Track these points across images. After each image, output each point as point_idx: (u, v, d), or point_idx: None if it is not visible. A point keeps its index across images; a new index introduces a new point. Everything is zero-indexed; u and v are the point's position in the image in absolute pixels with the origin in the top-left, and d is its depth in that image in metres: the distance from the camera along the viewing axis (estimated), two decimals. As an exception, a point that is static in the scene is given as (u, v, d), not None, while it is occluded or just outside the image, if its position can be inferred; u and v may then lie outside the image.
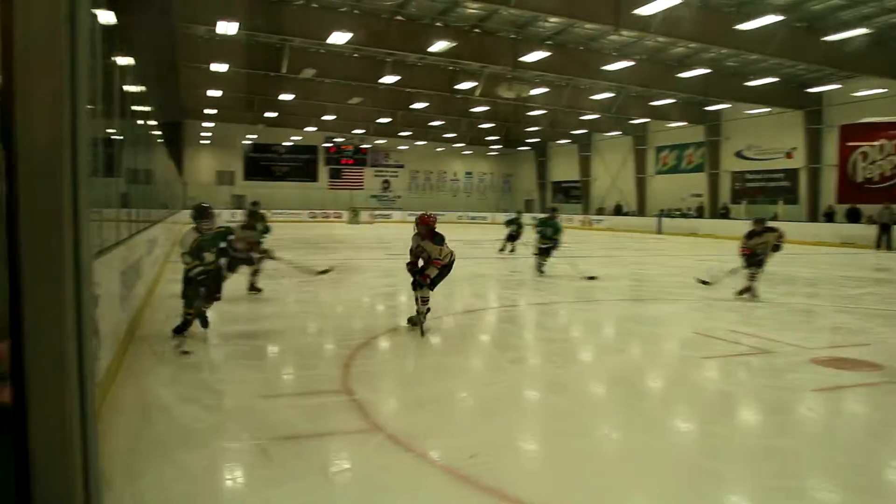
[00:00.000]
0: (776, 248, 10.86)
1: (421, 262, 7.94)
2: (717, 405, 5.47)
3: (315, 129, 45.37)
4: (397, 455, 4.07)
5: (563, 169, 51.97)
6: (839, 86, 28.58)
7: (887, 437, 4.76)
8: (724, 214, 35.60)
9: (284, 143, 48.65)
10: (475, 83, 29.17)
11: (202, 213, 7.32)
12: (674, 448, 4.46)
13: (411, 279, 7.91)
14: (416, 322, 7.80)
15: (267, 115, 39.25)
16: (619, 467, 4.09)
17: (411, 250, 7.97)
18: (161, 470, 3.76)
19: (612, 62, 24.83)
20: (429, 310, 7.91)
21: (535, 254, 14.26)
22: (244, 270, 10.46)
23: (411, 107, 34.75)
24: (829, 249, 24.03)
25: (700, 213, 37.06)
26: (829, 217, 29.90)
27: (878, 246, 24.65)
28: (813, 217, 31.44)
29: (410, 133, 47.06)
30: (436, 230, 7.88)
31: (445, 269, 7.95)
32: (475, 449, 4.16)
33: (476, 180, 56.63)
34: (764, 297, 10.78)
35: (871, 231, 25.47)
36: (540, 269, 14.09)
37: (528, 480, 3.81)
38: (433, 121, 41.29)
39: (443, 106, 35.36)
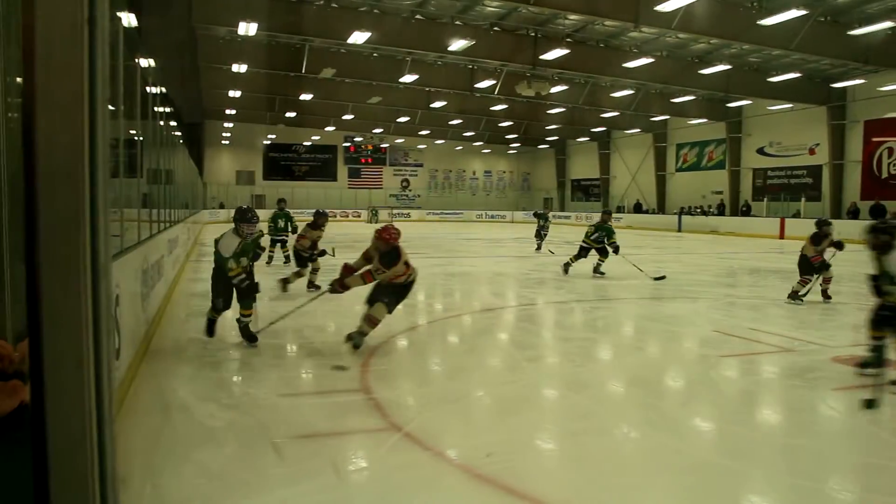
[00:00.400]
0: (839, 246, 10.63)
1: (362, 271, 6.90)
2: (737, 404, 5.43)
3: (334, 128, 45.54)
4: (415, 454, 4.08)
5: (583, 167, 51.73)
6: (864, 80, 28.16)
7: (911, 438, 4.70)
8: (746, 212, 35.28)
9: (304, 143, 48.90)
10: (494, 81, 29.12)
11: (245, 217, 6.90)
12: (693, 447, 4.44)
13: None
14: (353, 339, 6.70)
15: (287, 115, 39.46)
16: (639, 466, 4.08)
17: (367, 256, 7.01)
18: (180, 467, 3.80)
19: (633, 59, 24.67)
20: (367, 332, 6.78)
21: (573, 258, 14.02)
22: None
23: (430, 106, 34.80)
24: (853, 246, 23.71)
25: (721, 211, 36.76)
26: (854, 214, 29.49)
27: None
28: (836, 214, 31.01)
29: (429, 132, 47.08)
30: (394, 247, 6.84)
31: (403, 288, 6.96)
32: (493, 448, 4.16)
33: (495, 179, 56.54)
34: (781, 296, 10.71)
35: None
36: (597, 269, 13.80)
37: (547, 479, 3.82)
38: (452, 119, 41.27)
39: (462, 104, 35.34)
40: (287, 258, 15.25)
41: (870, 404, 4.88)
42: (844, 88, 29.90)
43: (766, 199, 34.56)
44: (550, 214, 21.41)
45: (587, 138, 48.10)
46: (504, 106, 35.58)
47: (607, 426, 4.78)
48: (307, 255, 11.02)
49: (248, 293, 6.81)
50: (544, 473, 3.93)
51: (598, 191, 49.27)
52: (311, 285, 10.94)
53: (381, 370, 6.02)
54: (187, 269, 13.68)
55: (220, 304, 6.86)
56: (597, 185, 49.64)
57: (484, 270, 15.70)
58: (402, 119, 40.89)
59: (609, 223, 14.19)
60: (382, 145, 51.23)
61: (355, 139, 50.03)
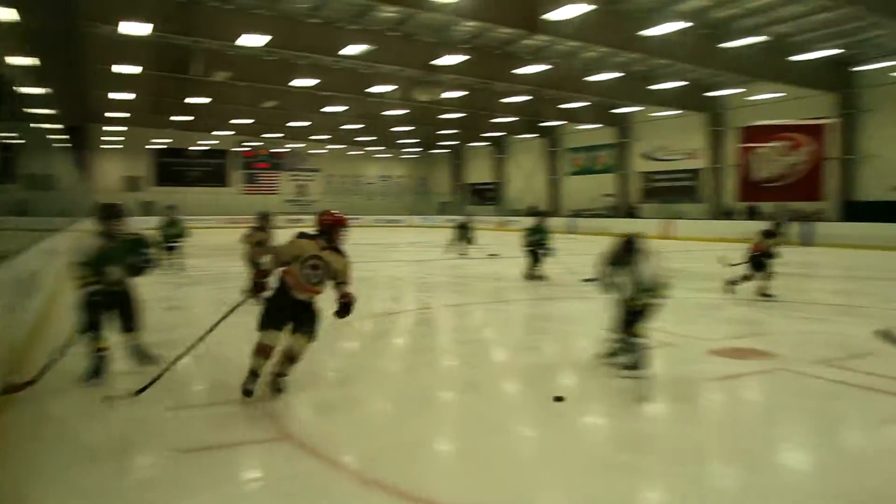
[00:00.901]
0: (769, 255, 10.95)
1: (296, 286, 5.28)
2: (624, 399, 5.64)
3: (229, 132, 44.49)
4: (307, 462, 4.04)
5: (479, 171, 52.64)
6: (739, 90, 30.14)
7: (779, 422, 5.05)
8: (632, 214, 36.83)
9: (196, 148, 47.51)
10: (391, 86, 29.15)
11: (110, 213, 5.79)
12: (585, 443, 4.60)
13: (267, 313, 5.35)
14: (278, 386, 5.34)
15: (178, 118, 38.16)
16: (533, 464, 4.19)
17: (282, 261, 5.34)
18: (57, 492, 3.61)
19: (527, 66, 25.29)
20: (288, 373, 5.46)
21: (529, 260, 13.63)
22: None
23: (327, 110, 34.43)
24: (731, 245, 25.05)
25: (611, 213, 38.16)
26: (729, 214, 31.58)
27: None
28: (716, 215, 32.90)
29: (326, 137, 46.67)
30: None
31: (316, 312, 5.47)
32: (388, 452, 4.18)
33: (392, 183, 56.64)
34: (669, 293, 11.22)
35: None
36: (534, 275, 13.46)
37: (442, 481, 3.86)
38: (349, 124, 41.04)
39: (359, 109, 35.15)
40: (181, 266, 14.80)
41: (641, 398, 5.22)
42: (722, 97, 31.81)
43: (652, 202, 36.29)
44: (471, 221, 21.82)
45: (483, 143, 48.92)
46: (401, 111, 35.67)
47: (502, 426, 4.86)
48: (257, 263, 10.25)
49: (88, 311, 5.61)
50: (440, 475, 3.97)
51: (494, 195, 50.20)
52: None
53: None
54: (69, 281, 12.99)
55: (92, 329, 5.63)
56: (492, 188, 50.56)
57: (381, 275, 15.66)
58: (299, 123, 40.30)
59: (544, 224, 13.95)
60: (278, 150, 50.37)
61: (250, 144, 48.99)
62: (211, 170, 48.79)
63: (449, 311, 10.58)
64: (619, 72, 27.67)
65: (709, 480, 3.98)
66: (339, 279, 5.37)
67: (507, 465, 4.11)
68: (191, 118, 38.04)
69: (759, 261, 10.71)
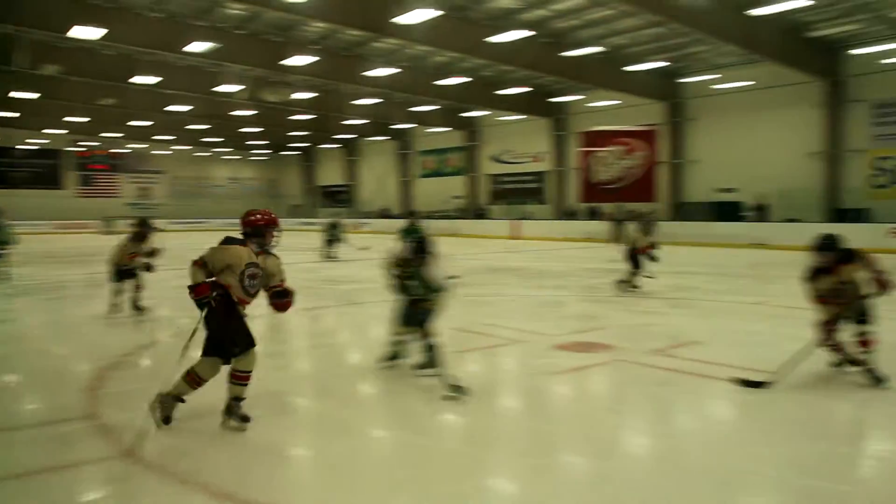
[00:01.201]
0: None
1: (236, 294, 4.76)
2: (477, 395, 5.79)
3: (62, 131, 41.41)
4: (152, 480, 3.86)
5: (330, 173, 52.24)
6: (580, 97, 31.80)
7: (621, 410, 5.41)
8: (481, 215, 37.92)
9: (24, 147, 43.83)
10: (239, 86, 28.30)
11: None
12: (437, 440, 4.70)
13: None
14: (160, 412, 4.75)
15: (2, 115, 35.02)
16: (387, 466, 4.24)
17: (210, 271, 4.77)
18: None
19: (377, 68, 25.37)
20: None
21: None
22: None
23: (171, 109, 32.86)
24: (575, 244, 26.40)
25: (461, 215, 39.01)
26: (572, 215, 33.26)
27: (613, 240, 27.60)
28: (560, 216, 34.55)
29: (171, 137, 44.59)
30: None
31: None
32: (240, 463, 4.10)
33: (241, 186, 54.93)
34: (515, 292, 11.66)
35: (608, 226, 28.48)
36: None
37: (296, 489, 3.84)
38: (195, 124, 39.41)
39: (205, 109, 33.80)
40: (8, 275, 13.75)
41: (451, 395, 5.37)
42: (564, 103, 33.41)
43: (500, 203, 37.57)
44: (343, 223, 21.68)
45: (335, 145, 48.59)
46: (250, 111, 34.74)
47: (355, 428, 4.88)
48: (129, 268, 9.36)
49: None
50: (293, 483, 3.94)
51: (346, 197, 50.01)
52: (136, 307, 9.48)
53: (113, 393, 5.59)
54: None
55: None
56: (344, 191, 50.35)
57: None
58: (140, 123, 38.20)
59: (418, 224, 13.75)
60: (117, 150, 47.47)
61: (86, 143, 45.83)
62: (41, 171, 45.18)
63: (300, 315, 10.41)
64: (468, 77, 28.41)
65: (558, 470, 4.19)
66: (274, 283, 4.96)
67: (362, 469, 4.13)
68: (17, 115, 35.10)
69: (641, 258, 11.72)
